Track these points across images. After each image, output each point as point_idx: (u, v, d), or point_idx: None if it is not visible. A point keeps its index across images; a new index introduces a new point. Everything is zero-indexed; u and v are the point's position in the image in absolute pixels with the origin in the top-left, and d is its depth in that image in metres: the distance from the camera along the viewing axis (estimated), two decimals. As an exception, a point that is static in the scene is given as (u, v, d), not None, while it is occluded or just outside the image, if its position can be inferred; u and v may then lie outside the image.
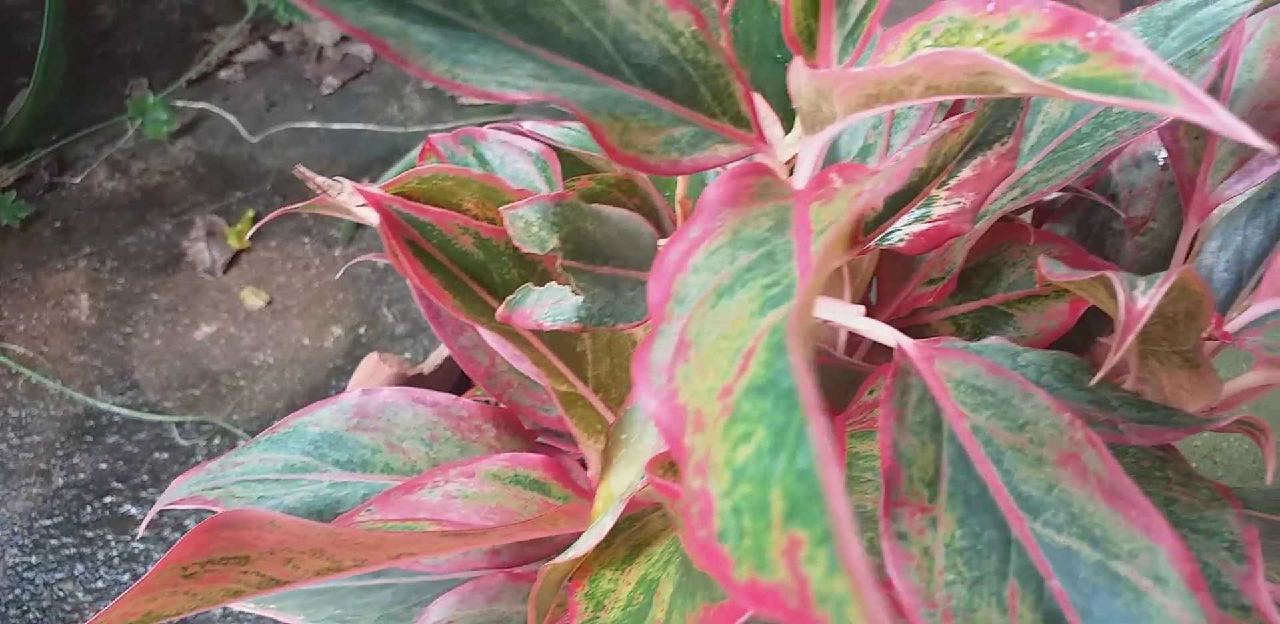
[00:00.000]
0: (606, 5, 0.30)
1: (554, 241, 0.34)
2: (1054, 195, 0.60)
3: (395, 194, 0.38)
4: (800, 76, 0.31)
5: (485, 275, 0.40)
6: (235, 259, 1.33)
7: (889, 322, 0.53)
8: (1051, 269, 0.35)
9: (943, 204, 0.44)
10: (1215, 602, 0.32)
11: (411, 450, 0.48)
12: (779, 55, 0.51)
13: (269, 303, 1.28)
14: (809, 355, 0.18)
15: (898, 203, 0.44)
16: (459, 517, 0.43)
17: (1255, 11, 0.48)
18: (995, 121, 0.47)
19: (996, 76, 0.25)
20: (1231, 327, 0.49)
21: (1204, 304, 0.33)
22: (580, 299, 0.35)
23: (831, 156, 0.53)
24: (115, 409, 1.18)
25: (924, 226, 0.43)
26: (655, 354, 0.21)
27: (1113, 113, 0.49)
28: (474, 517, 0.43)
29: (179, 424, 1.16)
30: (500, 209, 0.34)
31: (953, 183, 0.44)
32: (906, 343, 0.33)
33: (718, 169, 0.33)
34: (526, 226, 0.34)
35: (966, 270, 0.52)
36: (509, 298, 0.37)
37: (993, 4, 0.29)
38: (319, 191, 0.38)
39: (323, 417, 0.49)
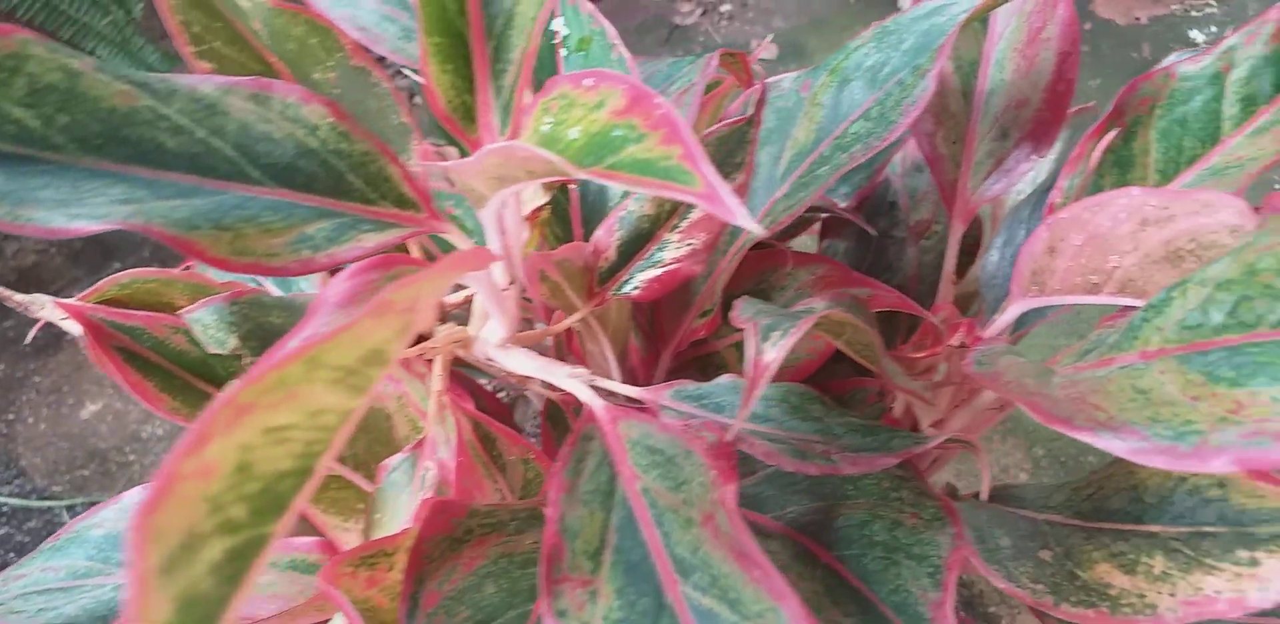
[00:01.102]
0: (227, 110, 0.31)
1: (233, 341, 0.34)
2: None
3: (98, 302, 0.38)
4: (435, 165, 0.31)
5: (208, 371, 0.39)
6: (112, 332, 1.30)
7: (675, 355, 0.54)
8: (738, 315, 0.36)
9: (675, 247, 0.44)
10: (907, 632, 0.32)
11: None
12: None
13: (151, 374, 1.26)
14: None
15: (630, 250, 0.44)
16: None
17: (973, 17, 0.49)
18: (724, 159, 0.47)
19: (556, 167, 0.25)
20: (993, 330, 0.50)
21: (869, 335, 0.34)
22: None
23: (600, 200, 0.54)
24: (3, 499, 1.15)
25: (657, 272, 0.44)
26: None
27: (848, 134, 0.50)
28: (251, 608, 0.43)
29: (69, 507, 1.14)
30: (178, 314, 0.34)
31: (684, 225, 0.45)
32: (597, 405, 0.34)
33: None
34: (205, 329, 0.34)
35: (738, 297, 0.53)
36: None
37: (591, 79, 0.29)
38: (19, 309, 0.38)
39: (106, 518, 0.48)
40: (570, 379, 0.36)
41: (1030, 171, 0.56)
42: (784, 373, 0.51)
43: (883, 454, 0.36)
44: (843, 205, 0.59)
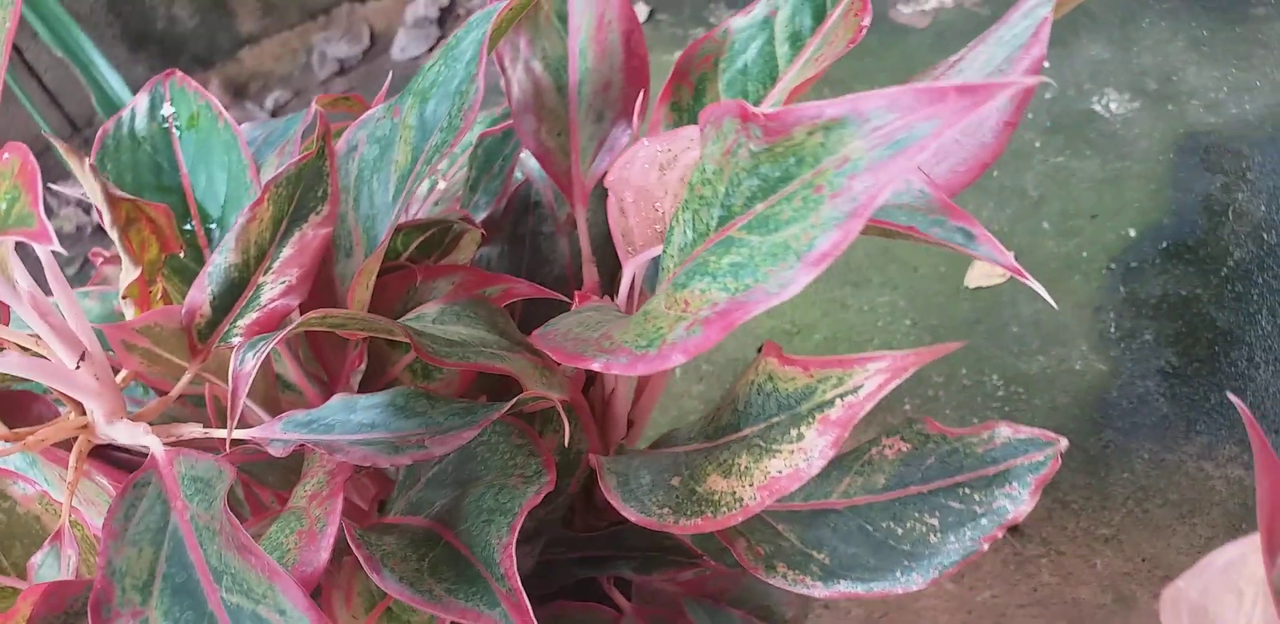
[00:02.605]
0: None
1: None
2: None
3: None
4: None
5: None
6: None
7: (359, 387, 0.55)
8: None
9: (270, 287, 0.46)
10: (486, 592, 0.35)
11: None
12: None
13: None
14: None
15: (227, 302, 0.46)
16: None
17: (499, 27, 0.52)
18: (305, 194, 0.49)
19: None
20: (622, 295, 0.53)
21: (382, 324, 0.36)
22: None
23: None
24: None
25: (257, 315, 0.45)
26: None
27: (432, 148, 0.52)
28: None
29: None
30: None
31: (277, 265, 0.47)
32: (158, 450, 0.35)
33: None
34: None
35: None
36: None
37: (7, 153, 0.31)
38: None
39: None
40: (147, 435, 0.37)
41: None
42: (450, 383, 0.53)
43: (466, 428, 0.39)
44: (483, 215, 0.61)
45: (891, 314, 1.16)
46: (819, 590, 0.45)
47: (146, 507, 0.33)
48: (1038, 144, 1.32)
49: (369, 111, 0.58)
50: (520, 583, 0.34)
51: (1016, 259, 1.21)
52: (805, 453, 0.36)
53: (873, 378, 0.35)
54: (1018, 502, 0.41)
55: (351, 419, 0.42)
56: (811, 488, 0.49)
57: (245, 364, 0.32)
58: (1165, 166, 1.25)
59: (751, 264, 0.31)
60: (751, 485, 0.38)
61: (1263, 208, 1.18)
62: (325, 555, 0.35)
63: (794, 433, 0.37)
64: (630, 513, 0.42)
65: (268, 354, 0.37)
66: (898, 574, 0.43)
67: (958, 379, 1.07)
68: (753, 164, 0.32)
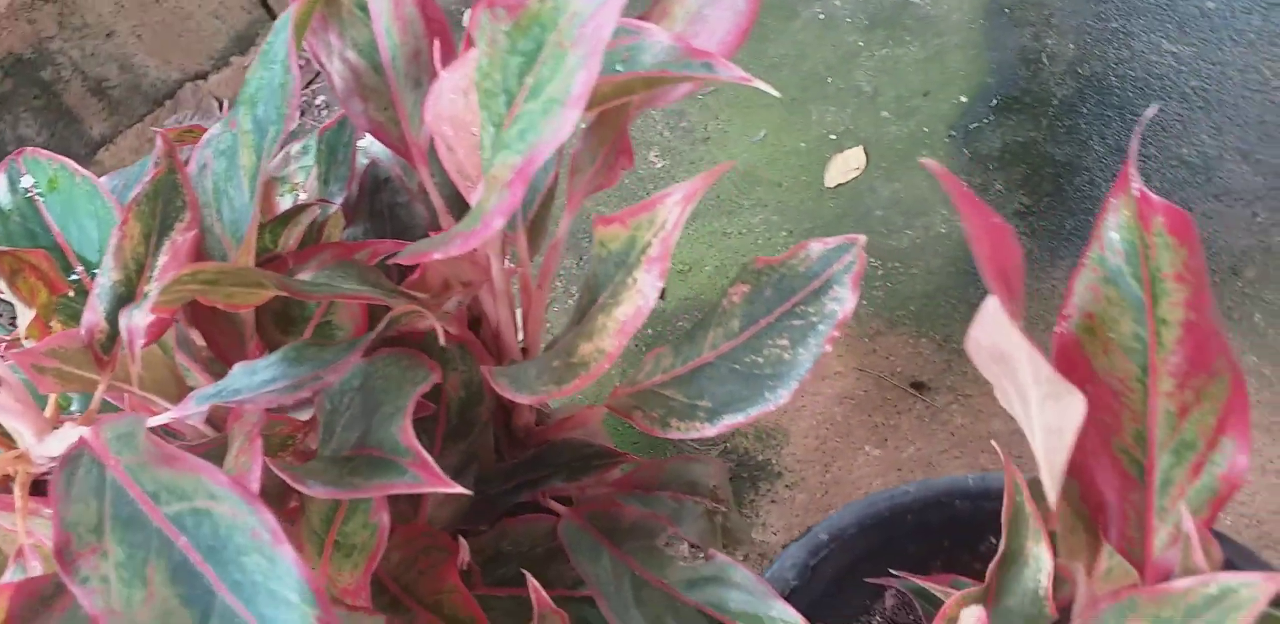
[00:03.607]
0: None
1: None
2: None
3: None
4: None
5: None
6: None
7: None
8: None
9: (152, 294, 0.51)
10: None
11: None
12: None
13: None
14: None
15: (119, 316, 0.50)
16: None
17: (298, 23, 0.57)
18: (166, 206, 0.54)
19: None
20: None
21: (254, 275, 0.41)
22: None
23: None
24: None
25: (146, 320, 0.50)
26: None
27: (269, 143, 0.57)
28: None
29: None
30: None
31: (156, 272, 0.51)
32: (86, 432, 0.40)
33: None
34: None
35: (275, 309, 0.59)
36: None
37: None
38: None
39: None
40: (75, 429, 0.42)
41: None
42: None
43: (351, 352, 0.44)
44: (339, 200, 0.66)
45: (768, 230, 1.22)
46: (709, 430, 0.51)
47: (84, 471, 0.37)
48: (861, 43, 1.39)
49: (209, 132, 0.63)
50: (426, 453, 0.39)
51: (866, 150, 1.27)
52: (641, 292, 0.42)
53: (673, 210, 0.41)
54: (843, 302, 0.47)
55: (255, 380, 0.47)
56: (686, 351, 0.55)
57: (135, 318, 0.37)
58: (978, 32, 1.33)
59: (533, 126, 0.36)
60: (609, 336, 0.44)
61: (1071, 46, 1.27)
62: (254, 488, 0.40)
63: (630, 280, 0.43)
64: (522, 397, 0.47)
65: (169, 326, 0.42)
66: (766, 395, 0.49)
67: (845, 268, 1.14)
68: (510, 44, 0.37)
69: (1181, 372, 0.46)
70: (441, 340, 0.51)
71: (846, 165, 1.25)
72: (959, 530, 0.68)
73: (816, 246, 0.48)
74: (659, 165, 1.35)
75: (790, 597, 0.70)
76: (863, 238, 0.47)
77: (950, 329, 1.05)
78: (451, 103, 0.51)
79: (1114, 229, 0.48)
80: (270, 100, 0.59)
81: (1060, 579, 0.49)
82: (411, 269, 0.63)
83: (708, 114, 1.38)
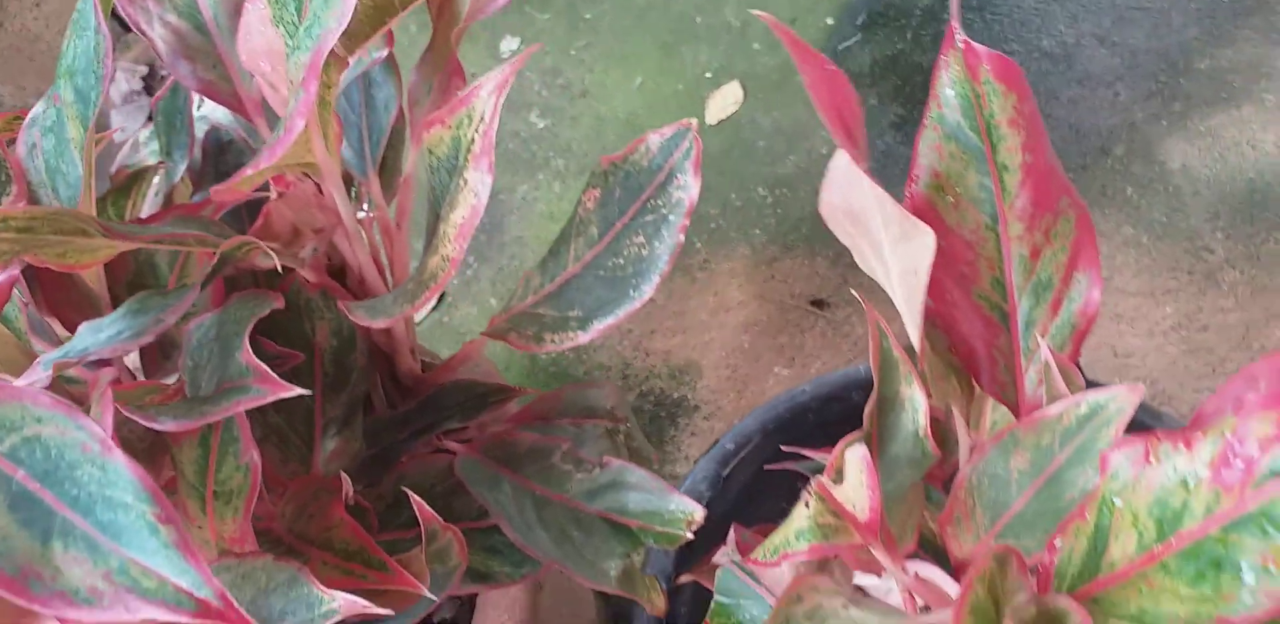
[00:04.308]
0: None
1: None
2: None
3: None
4: None
5: None
6: None
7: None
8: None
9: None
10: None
11: None
12: None
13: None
14: None
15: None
16: None
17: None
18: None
19: None
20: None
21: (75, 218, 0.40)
22: None
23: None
24: None
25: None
26: None
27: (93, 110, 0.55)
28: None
29: None
30: None
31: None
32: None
33: None
34: None
35: (129, 280, 0.58)
36: None
37: None
38: None
39: None
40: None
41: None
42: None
43: (189, 292, 0.43)
44: (183, 166, 0.64)
45: (658, 171, 1.22)
46: (583, 337, 0.51)
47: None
48: (725, -19, 1.39)
49: (32, 112, 0.61)
50: (264, 366, 0.38)
51: (742, 84, 1.27)
52: (474, 191, 0.41)
53: (488, 101, 0.40)
54: (688, 189, 0.47)
55: (101, 337, 0.45)
56: (552, 268, 0.54)
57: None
58: (837, -46, 1.34)
59: (318, 19, 0.36)
60: (450, 242, 0.43)
61: (927, -44, 1.28)
62: (108, 433, 0.39)
63: (461, 182, 0.42)
64: (377, 321, 0.46)
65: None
66: (631, 294, 0.49)
67: (731, 204, 1.14)
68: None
69: (1028, 214, 0.46)
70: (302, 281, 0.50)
71: (725, 101, 1.25)
72: (860, 421, 0.69)
73: (654, 138, 0.47)
74: (541, 125, 1.34)
75: (707, 509, 0.70)
76: (694, 120, 0.47)
77: (842, 246, 1.05)
78: (260, 35, 0.49)
79: (948, 86, 0.49)
80: (87, 68, 0.57)
81: (945, 434, 0.49)
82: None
83: (583, 68, 1.37)
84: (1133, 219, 0.98)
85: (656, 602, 0.53)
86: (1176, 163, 1.00)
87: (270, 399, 0.37)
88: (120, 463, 0.28)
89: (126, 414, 0.40)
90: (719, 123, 1.23)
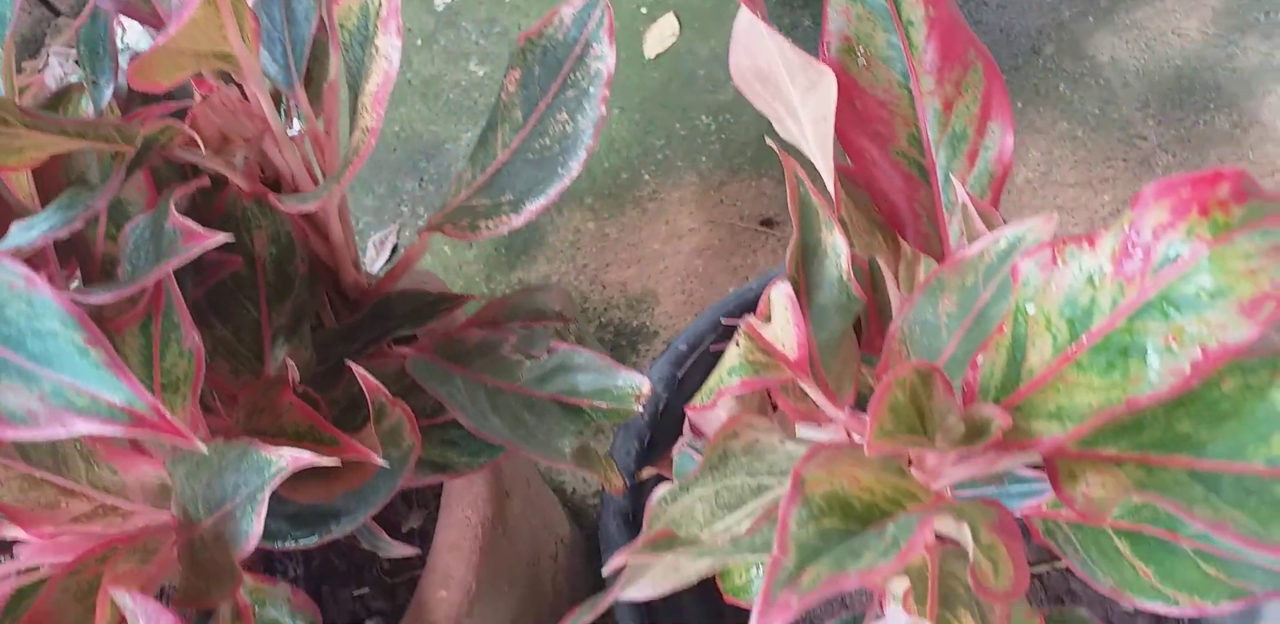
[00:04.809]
0: None
1: None
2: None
3: None
4: None
5: None
6: None
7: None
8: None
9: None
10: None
11: None
12: None
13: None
14: None
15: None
16: None
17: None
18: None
19: None
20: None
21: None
22: None
23: None
24: None
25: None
26: None
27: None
28: None
29: None
30: None
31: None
32: None
33: None
34: None
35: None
36: None
37: None
38: None
39: None
40: None
41: None
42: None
43: (113, 179, 0.43)
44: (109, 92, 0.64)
45: (602, 108, 1.22)
46: (517, 220, 0.51)
47: None
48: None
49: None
50: (191, 222, 0.39)
51: (677, 16, 1.26)
52: (385, 57, 0.42)
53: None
54: (605, 59, 0.47)
55: (32, 234, 0.46)
56: (482, 159, 0.55)
57: None
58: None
59: None
60: (368, 112, 0.43)
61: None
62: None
63: (373, 50, 0.43)
64: (309, 204, 0.47)
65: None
66: (559, 172, 0.49)
67: (676, 134, 1.15)
68: None
69: (937, 67, 0.47)
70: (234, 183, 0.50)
71: (662, 34, 1.25)
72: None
73: (567, 10, 0.48)
74: (480, 73, 1.34)
75: (665, 410, 0.71)
76: (604, -6, 0.47)
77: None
78: None
79: (850, -52, 0.49)
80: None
81: (878, 284, 0.50)
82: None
83: (519, 14, 1.36)
84: (1067, 114, 1.00)
85: (614, 480, 0.54)
86: (1105, 56, 1.01)
87: (198, 252, 0.38)
88: (47, 295, 0.29)
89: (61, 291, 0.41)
90: (657, 56, 1.24)
